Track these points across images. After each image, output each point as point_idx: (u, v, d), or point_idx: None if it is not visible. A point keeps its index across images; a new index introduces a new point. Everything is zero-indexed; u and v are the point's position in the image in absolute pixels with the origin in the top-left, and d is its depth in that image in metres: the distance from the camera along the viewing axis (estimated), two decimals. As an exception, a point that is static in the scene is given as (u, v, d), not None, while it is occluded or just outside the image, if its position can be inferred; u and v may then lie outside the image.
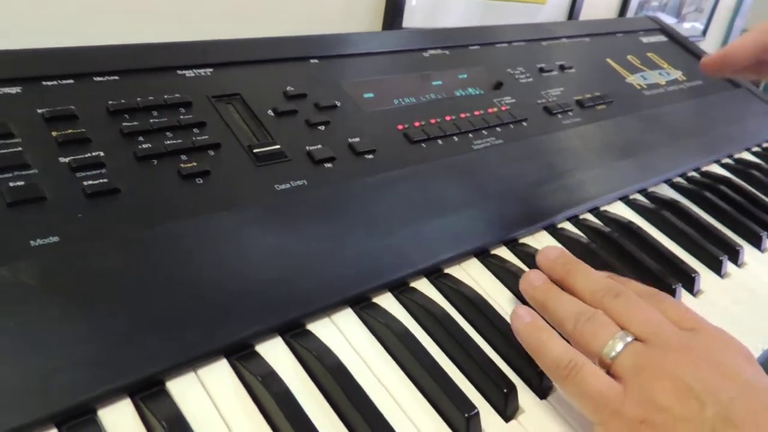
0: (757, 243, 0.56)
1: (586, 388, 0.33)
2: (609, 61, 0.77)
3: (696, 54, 0.88)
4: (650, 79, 0.77)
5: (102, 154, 0.38)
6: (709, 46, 1.70)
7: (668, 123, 0.69)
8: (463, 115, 0.56)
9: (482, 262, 0.44)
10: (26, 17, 0.60)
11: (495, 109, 0.59)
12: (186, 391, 0.30)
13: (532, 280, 0.41)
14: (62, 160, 0.37)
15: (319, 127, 0.48)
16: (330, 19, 0.87)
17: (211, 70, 0.48)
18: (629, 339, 0.35)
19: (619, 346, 0.34)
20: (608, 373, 0.34)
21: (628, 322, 0.36)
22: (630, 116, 0.67)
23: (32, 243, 0.33)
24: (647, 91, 0.74)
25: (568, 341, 0.36)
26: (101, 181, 0.37)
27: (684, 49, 0.89)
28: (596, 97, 0.67)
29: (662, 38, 0.89)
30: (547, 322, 0.38)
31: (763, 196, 0.63)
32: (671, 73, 0.81)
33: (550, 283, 0.40)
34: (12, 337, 0.29)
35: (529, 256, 0.45)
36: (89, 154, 0.38)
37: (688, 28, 1.58)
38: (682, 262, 0.49)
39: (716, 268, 0.51)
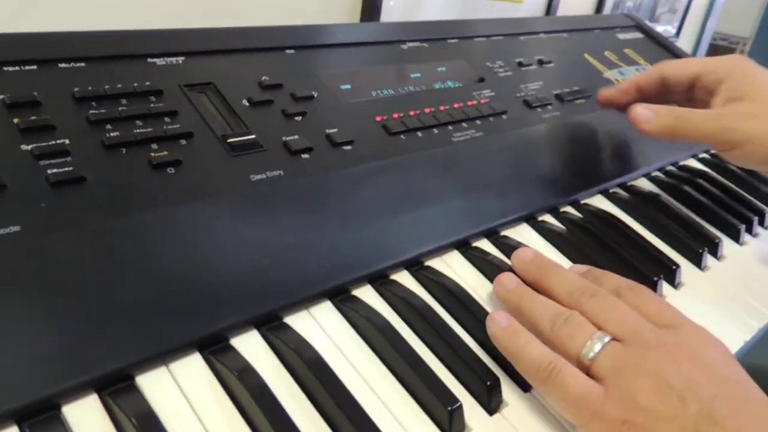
0: (735, 236, 0.56)
1: (567, 391, 0.33)
2: (587, 56, 0.77)
3: (672, 51, 0.88)
4: (627, 75, 0.77)
5: (67, 141, 0.37)
6: (683, 46, 1.72)
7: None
8: (442, 108, 0.55)
9: (464, 254, 0.43)
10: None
11: (474, 102, 0.58)
12: (157, 385, 0.29)
13: (505, 283, 0.40)
14: (24, 147, 0.35)
15: (296, 118, 0.47)
16: (306, 17, 0.86)
17: (183, 58, 0.47)
18: (607, 339, 0.34)
19: (597, 347, 0.34)
20: (588, 374, 0.34)
21: (605, 322, 0.35)
22: (607, 112, 0.67)
23: (-9, 233, 0.31)
24: (625, 87, 0.74)
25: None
26: (66, 169, 0.35)
27: (660, 46, 0.89)
28: (575, 92, 0.67)
29: (638, 35, 0.90)
30: (524, 325, 0.37)
31: (739, 190, 0.63)
32: (647, 68, 0.81)
33: (524, 286, 0.39)
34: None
35: (510, 249, 0.44)
36: (53, 142, 0.36)
37: (662, 30, 1.60)
38: (663, 254, 0.49)
39: (696, 261, 0.51)
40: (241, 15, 0.80)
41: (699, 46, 1.88)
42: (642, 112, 0.51)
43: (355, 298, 0.37)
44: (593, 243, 0.48)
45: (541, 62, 0.70)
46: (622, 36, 0.87)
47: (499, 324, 0.36)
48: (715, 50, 2.27)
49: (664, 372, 0.32)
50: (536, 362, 0.34)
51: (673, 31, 1.68)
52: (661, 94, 0.57)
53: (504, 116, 0.58)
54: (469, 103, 0.58)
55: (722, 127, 0.49)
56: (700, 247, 0.51)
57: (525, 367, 0.35)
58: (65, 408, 0.27)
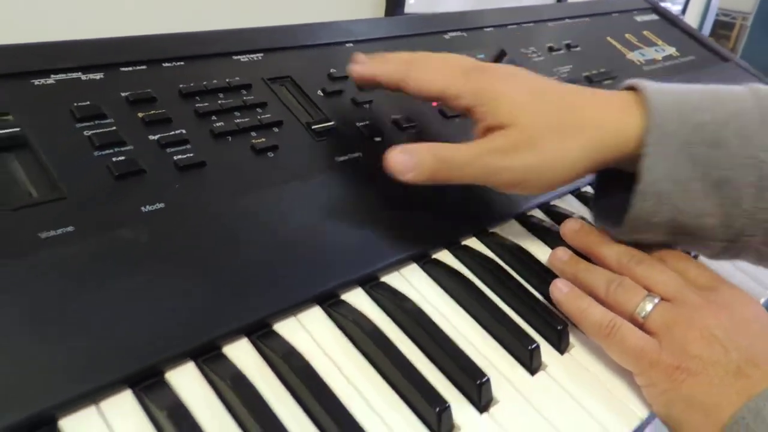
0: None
1: (627, 344, 0.38)
2: (609, 39, 0.82)
3: (686, 31, 0.93)
4: (648, 56, 0.82)
5: (184, 131, 0.42)
6: (689, 23, 1.76)
7: (668, 95, 0.74)
8: (487, 92, 0.60)
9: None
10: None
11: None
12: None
13: (560, 255, 0.45)
14: (151, 137, 0.41)
15: (365, 105, 0.52)
16: (331, 14, 0.90)
17: (261, 55, 0.52)
18: (656, 300, 0.40)
19: (649, 307, 0.40)
20: (642, 330, 0.39)
21: (654, 285, 0.41)
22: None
23: (143, 209, 0.37)
24: (646, 67, 0.79)
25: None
26: (189, 155, 0.41)
27: (675, 26, 0.94)
28: (602, 73, 0.72)
29: (654, 17, 0.95)
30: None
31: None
32: (666, 49, 0.87)
33: (577, 257, 0.45)
34: (133, 287, 0.33)
35: (560, 216, 0.49)
36: (173, 132, 0.42)
37: (667, 6, 1.64)
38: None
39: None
40: (269, 14, 0.84)
41: (704, 22, 1.93)
42: (400, 161, 0.41)
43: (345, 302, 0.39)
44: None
45: (569, 46, 0.75)
46: (639, 18, 0.92)
47: (561, 290, 0.42)
48: (718, 25, 2.31)
49: (709, 326, 0.38)
50: (598, 322, 0.40)
51: (679, 8, 1.72)
52: None
53: (542, 98, 0.63)
54: (510, 86, 0.63)
55: (489, 169, 0.41)
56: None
57: (588, 327, 0.41)
58: (225, 348, 0.34)
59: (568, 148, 0.41)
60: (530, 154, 0.40)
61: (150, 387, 0.31)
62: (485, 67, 0.44)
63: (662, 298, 0.40)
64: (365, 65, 0.47)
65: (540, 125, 0.41)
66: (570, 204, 0.53)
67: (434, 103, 0.56)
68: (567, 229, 0.47)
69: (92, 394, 0.30)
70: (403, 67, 0.45)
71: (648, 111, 0.40)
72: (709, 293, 0.40)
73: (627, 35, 0.85)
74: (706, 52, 0.90)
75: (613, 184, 0.45)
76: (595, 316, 0.40)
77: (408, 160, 0.41)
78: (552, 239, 0.48)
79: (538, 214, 0.51)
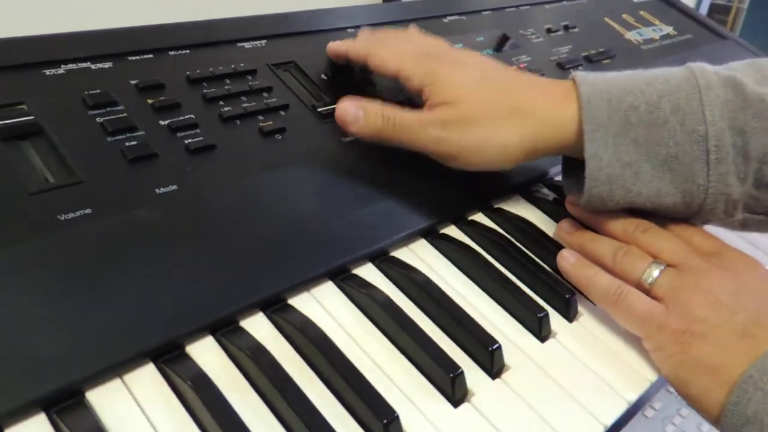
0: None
1: (634, 309, 0.39)
2: (607, 20, 0.82)
3: (683, 11, 0.94)
4: (645, 35, 0.83)
5: (193, 116, 0.43)
6: (689, 1, 1.76)
7: (667, 73, 0.75)
8: (488, 73, 0.61)
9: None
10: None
11: (514, 67, 0.64)
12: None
13: (565, 227, 0.46)
14: (162, 122, 0.42)
15: (367, 88, 0.53)
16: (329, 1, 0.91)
17: (265, 41, 0.53)
18: (662, 266, 0.41)
19: (655, 273, 0.40)
20: (648, 296, 0.40)
21: (659, 252, 0.42)
22: (633, 68, 0.73)
23: (157, 191, 0.38)
24: (644, 46, 0.80)
25: None
26: (199, 139, 0.42)
27: (672, 6, 0.95)
28: (601, 53, 0.73)
29: (651, -3, 0.95)
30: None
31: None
32: (663, 28, 0.87)
33: (582, 228, 0.46)
34: (152, 265, 0.34)
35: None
36: (183, 117, 0.43)
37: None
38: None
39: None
40: (270, 2, 0.84)
41: (701, 4, 1.93)
42: (350, 111, 0.45)
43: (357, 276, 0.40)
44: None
45: (567, 28, 0.76)
46: (636, -1, 0.93)
47: (568, 260, 0.43)
48: (714, 9, 2.31)
49: (715, 290, 0.38)
50: (605, 289, 0.41)
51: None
52: None
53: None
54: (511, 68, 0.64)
55: (431, 137, 0.43)
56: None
57: (596, 294, 0.41)
58: (243, 322, 0.35)
59: (503, 133, 0.43)
60: (468, 131, 0.43)
61: (172, 360, 0.32)
62: (440, 52, 0.47)
63: (668, 265, 0.41)
64: (339, 43, 0.52)
65: (480, 108, 0.43)
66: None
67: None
68: (571, 203, 0.48)
69: (116, 368, 0.31)
70: (369, 44, 0.49)
71: (580, 103, 0.42)
72: (714, 258, 0.41)
73: (624, 15, 0.86)
74: (704, 30, 0.90)
75: (577, 163, 0.46)
76: (602, 284, 0.41)
77: (356, 112, 0.44)
78: (557, 213, 0.48)
79: (542, 189, 0.52)
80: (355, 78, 0.53)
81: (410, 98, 0.52)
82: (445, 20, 0.68)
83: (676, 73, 0.43)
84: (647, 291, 0.40)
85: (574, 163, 0.45)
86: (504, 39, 0.68)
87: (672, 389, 0.69)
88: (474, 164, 0.44)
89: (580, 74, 0.44)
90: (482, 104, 0.43)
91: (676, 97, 0.41)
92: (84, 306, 0.31)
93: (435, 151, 0.44)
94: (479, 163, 0.44)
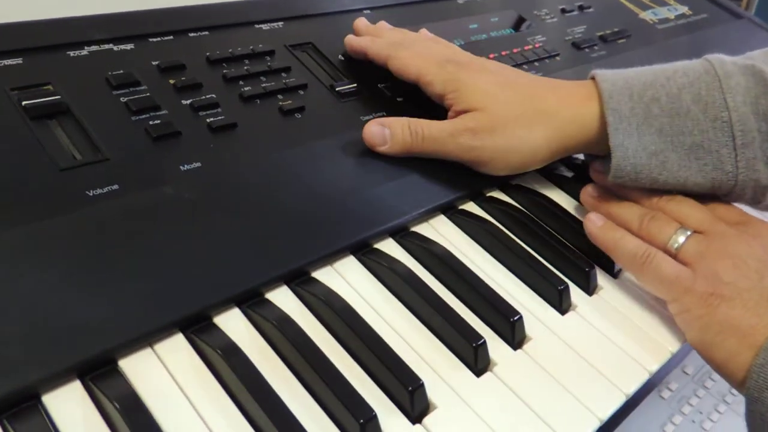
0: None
1: (661, 272, 0.39)
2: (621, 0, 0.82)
3: (698, -10, 0.93)
4: (660, 15, 0.82)
5: (214, 96, 0.44)
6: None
7: (683, 52, 0.74)
8: (504, 53, 0.61)
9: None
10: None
11: (530, 47, 0.64)
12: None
13: (591, 192, 0.46)
14: (184, 102, 0.42)
15: (384, 71, 0.53)
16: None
17: (282, 23, 0.53)
18: (689, 232, 0.41)
19: (682, 239, 0.41)
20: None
21: (686, 219, 0.42)
22: (648, 48, 0.73)
23: (182, 168, 0.38)
24: (659, 25, 0.79)
25: None
26: (220, 118, 0.42)
27: (687, -14, 0.94)
28: (616, 32, 0.72)
29: (665, -23, 0.94)
30: None
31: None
32: (678, 8, 0.87)
33: (609, 194, 0.46)
34: (180, 239, 0.35)
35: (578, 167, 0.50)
36: (204, 97, 0.43)
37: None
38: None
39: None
40: None
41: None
42: (377, 132, 0.44)
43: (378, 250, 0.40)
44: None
45: (581, 8, 0.75)
46: (650, -21, 0.92)
47: (595, 223, 0.43)
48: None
49: (742, 254, 0.39)
50: (632, 251, 0.41)
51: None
52: None
53: (557, 58, 0.64)
54: (526, 47, 0.64)
55: (460, 147, 0.44)
56: None
57: (623, 256, 0.41)
58: (268, 294, 0.35)
59: (531, 135, 0.44)
60: (497, 138, 0.44)
61: (201, 330, 0.33)
62: (460, 59, 0.48)
63: (694, 231, 0.41)
64: (359, 40, 0.51)
65: (506, 113, 0.44)
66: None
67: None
68: (596, 168, 0.47)
69: (147, 337, 0.32)
70: (390, 47, 0.49)
71: (601, 99, 0.43)
72: (740, 226, 0.41)
73: (639, -5, 0.85)
74: (719, 9, 0.89)
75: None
76: (629, 246, 0.41)
77: (383, 133, 0.44)
78: (575, 189, 0.49)
79: (560, 167, 0.52)
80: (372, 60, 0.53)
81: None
82: (460, 1, 0.68)
83: (695, 65, 0.44)
84: (673, 256, 0.40)
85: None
86: (521, 20, 0.68)
87: (688, 370, 0.70)
88: (504, 168, 0.45)
89: (600, 72, 0.45)
90: (508, 109, 0.44)
91: (696, 88, 0.42)
92: (115, 277, 0.32)
93: (466, 159, 0.45)
94: (509, 167, 0.45)
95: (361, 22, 0.54)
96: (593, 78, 0.45)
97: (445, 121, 0.45)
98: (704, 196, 0.44)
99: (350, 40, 0.52)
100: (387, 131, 0.44)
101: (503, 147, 0.44)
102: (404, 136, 0.44)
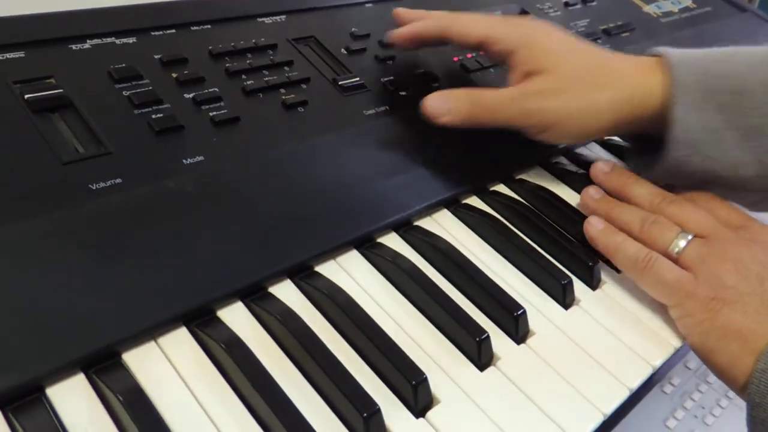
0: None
1: (663, 277, 0.39)
2: (625, -7, 0.82)
3: (702, -16, 0.93)
4: (664, 8, 0.82)
5: (217, 90, 0.43)
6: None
7: (687, 46, 0.74)
8: (507, 47, 0.61)
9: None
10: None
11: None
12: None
13: (592, 193, 0.46)
14: (186, 96, 0.42)
15: (388, 62, 0.53)
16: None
17: (284, 17, 0.53)
18: (690, 236, 0.41)
19: (683, 243, 0.40)
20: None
21: (687, 223, 0.42)
22: (652, 41, 0.72)
23: (184, 162, 0.38)
24: (663, 19, 0.79)
25: None
26: (223, 111, 0.42)
27: (691, -21, 0.93)
28: (620, 26, 0.72)
29: (669, -29, 0.94)
30: None
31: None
32: (682, 1, 0.86)
33: (608, 196, 0.46)
34: (183, 233, 0.35)
35: (585, 164, 0.50)
36: (207, 90, 0.43)
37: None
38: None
39: None
40: None
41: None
42: (437, 105, 0.44)
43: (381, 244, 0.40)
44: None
45: (585, 1, 0.75)
46: (654, -28, 0.92)
47: (596, 227, 0.43)
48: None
49: (743, 258, 0.38)
50: (634, 256, 0.41)
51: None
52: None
53: (561, 51, 0.64)
54: (529, 41, 0.63)
55: (524, 111, 0.43)
56: None
57: (624, 261, 0.41)
58: (271, 289, 0.35)
59: (597, 99, 0.43)
60: (563, 100, 0.43)
61: (204, 324, 0.33)
62: (527, 22, 0.48)
63: (695, 235, 0.41)
64: (408, 27, 0.49)
65: (574, 75, 0.44)
66: (595, 152, 0.54)
67: (455, 59, 0.57)
68: (597, 170, 0.47)
69: (151, 330, 0.32)
70: (446, 18, 0.49)
71: (670, 69, 0.43)
72: (742, 231, 0.41)
73: (642, -11, 0.85)
74: (723, 2, 0.89)
75: (645, 137, 0.46)
76: (630, 250, 0.41)
77: (443, 104, 0.44)
78: (578, 184, 0.48)
79: (564, 161, 0.52)
80: (375, 54, 0.53)
81: (428, 72, 0.52)
82: (462, -5, 0.67)
83: (759, 50, 0.44)
84: (674, 260, 0.40)
85: (642, 144, 0.45)
86: (524, 13, 0.68)
87: (691, 365, 0.69)
88: (565, 134, 0.44)
89: (666, 48, 0.45)
90: (578, 71, 0.44)
91: (763, 71, 0.42)
92: (118, 271, 0.32)
93: (528, 123, 0.44)
94: (570, 133, 0.44)
95: (402, 10, 0.52)
96: (658, 54, 0.45)
97: (509, 87, 0.45)
98: (706, 194, 0.44)
99: (398, 32, 0.50)
100: (448, 103, 0.44)
101: (570, 110, 0.43)
102: (466, 104, 0.44)
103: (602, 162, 0.48)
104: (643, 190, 0.45)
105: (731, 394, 0.70)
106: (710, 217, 0.42)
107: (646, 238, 0.42)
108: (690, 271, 0.39)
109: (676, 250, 0.40)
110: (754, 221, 0.42)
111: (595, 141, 0.56)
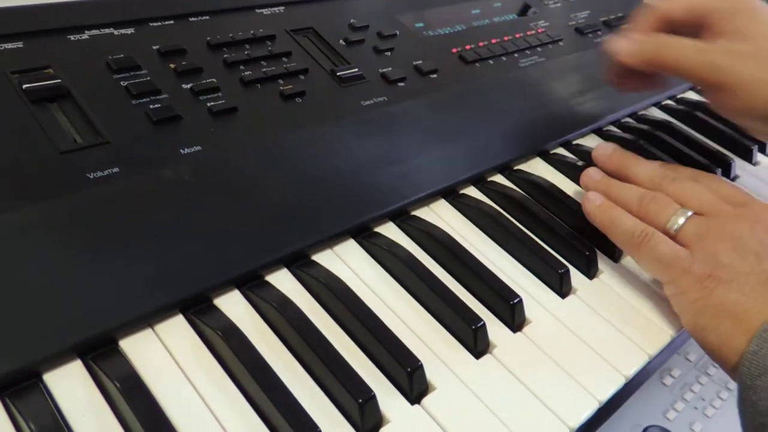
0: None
1: (659, 252, 0.39)
2: (626, -15, 0.81)
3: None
4: None
5: (215, 80, 0.44)
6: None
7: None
8: (506, 38, 0.61)
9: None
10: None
11: (533, 32, 0.64)
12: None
13: (591, 174, 0.46)
14: (184, 86, 0.42)
15: (386, 53, 0.53)
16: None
17: (283, 8, 0.53)
18: (689, 213, 0.40)
19: (681, 220, 0.40)
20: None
21: (687, 200, 0.41)
22: (652, 33, 0.72)
23: (182, 151, 0.38)
24: (664, 11, 0.79)
25: None
26: (220, 102, 0.42)
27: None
28: (620, 18, 0.72)
29: (671, -37, 0.94)
30: None
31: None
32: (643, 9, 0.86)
33: (608, 177, 0.45)
34: (180, 221, 0.35)
35: (585, 154, 0.50)
36: (205, 81, 0.43)
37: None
38: (719, 152, 0.55)
39: (748, 157, 0.57)
40: None
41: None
42: (622, 40, 0.45)
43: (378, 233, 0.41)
44: (656, 145, 0.54)
45: (585, -7, 0.75)
46: (655, -36, 0.91)
47: (593, 202, 0.43)
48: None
49: (742, 236, 0.38)
50: (630, 231, 0.40)
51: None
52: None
53: (560, 43, 0.64)
54: (529, 32, 0.63)
55: (712, 64, 0.42)
56: (751, 144, 0.57)
57: (619, 236, 0.41)
58: (268, 277, 0.36)
59: None
60: (755, 66, 0.42)
61: (201, 311, 0.33)
62: None
63: (695, 213, 0.40)
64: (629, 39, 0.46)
65: None
66: (593, 143, 0.54)
67: (453, 50, 0.57)
68: (599, 152, 0.47)
69: (147, 317, 0.32)
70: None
71: None
72: (743, 208, 0.41)
73: (643, -19, 0.84)
74: (725, -5, 0.89)
75: None
76: (626, 225, 0.40)
77: (630, 44, 0.44)
78: (576, 174, 0.48)
79: (562, 151, 0.52)
80: (374, 45, 0.53)
81: (426, 63, 0.52)
82: (462, -14, 0.67)
83: None
84: (673, 237, 0.40)
85: None
86: (524, 5, 0.68)
87: (691, 357, 0.69)
88: (740, 100, 0.42)
89: None
90: None
91: None
92: (115, 259, 0.32)
93: (710, 79, 0.43)
94: (746, 99, 0.42)
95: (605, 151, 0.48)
96: None
97: (703, 41, 0.44)
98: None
99: (618, 43, 0.46)
100: (636, 42, 0.44)
101: (755, 76, 0.41)
102: (650, 44, 0.44)
103: (604, 144, 0.48)
104: (643, 169, 0.45)
105: (732, 385, 0.70)
106: (711, 195, 0.41)
107: (644, 214, 0.41)
108: (688, 249, 0.39)
109: (675, 227, 0.40)
110: (756, 200, 0.42)
111: (598, 134, 0.56)
